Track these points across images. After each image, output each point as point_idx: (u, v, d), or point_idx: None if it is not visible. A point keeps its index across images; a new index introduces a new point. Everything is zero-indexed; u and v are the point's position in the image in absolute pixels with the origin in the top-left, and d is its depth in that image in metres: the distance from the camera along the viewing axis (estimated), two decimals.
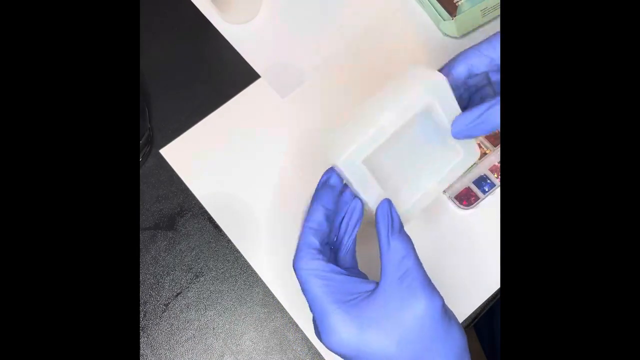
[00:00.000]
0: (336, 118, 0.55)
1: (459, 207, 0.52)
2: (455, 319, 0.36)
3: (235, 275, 0.50)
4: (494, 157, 0.53)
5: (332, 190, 0.38)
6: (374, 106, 0.37)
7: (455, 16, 0.55)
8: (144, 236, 0.51)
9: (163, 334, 0.49)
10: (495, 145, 0.54)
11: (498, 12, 0.57)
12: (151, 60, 0.57)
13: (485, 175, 0.53)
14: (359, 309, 0.35)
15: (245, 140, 0.54)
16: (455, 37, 0.58)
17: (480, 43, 0.40)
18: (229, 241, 0.51)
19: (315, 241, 0.36)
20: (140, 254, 0.51)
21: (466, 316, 0.49)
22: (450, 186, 0.52)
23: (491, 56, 0.40)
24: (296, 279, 0.36)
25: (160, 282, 0.50)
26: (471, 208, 0.52)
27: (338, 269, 0.36)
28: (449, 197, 0.52)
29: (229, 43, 0.58)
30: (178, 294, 0.50)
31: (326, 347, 0.35)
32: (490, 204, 0.52)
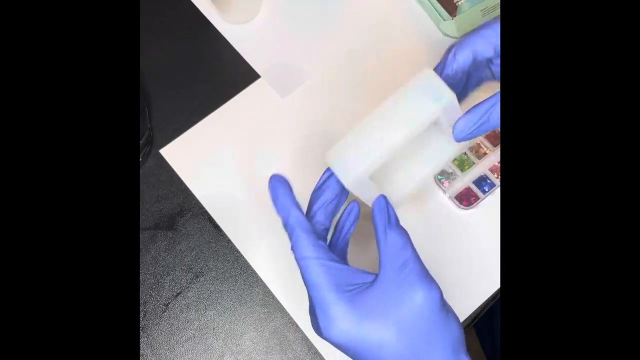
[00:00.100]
0: (336, 118, 0.55)
1: (459, 207, 0.52)
2: (453, 312, 0.36)
3: (235, 275, 0.50)
4: (494, 157, 0.53)
5: (333, 189, 0.38)
6: (383, 123, 0.36)
7: (455, 16, 0.55)
8: (144, 236, 0.51)
9: (163, 334, 0.49)
10: (495, 145, 0.54)
11: (498, 12, 0.57)
12: (151, 60, 0.57)
13: (485, 175, 0.53)
14: (359, 299, 0.35)
15: (245, 140, 0.54)
16: (455, 37, 0.57)
17: (485, 28, 0.39)
18: (229, 241, 0.51)
19: (318, 228, 0.37)
20: (140, 254, 0.51)
21: (466, 316, 0.49)
22: (451, 186, 0.52)
23: (495, 43, 0.39)
24: (298, 269, 0.36)
25: (160, 282, 0.50)
26: (471, 208, 0.52)
27: (338, 259, 0.36)
28: (449, 197, 0.52)
29: (229, 43, 0.58)
30: (178, 294, 0.50)
31: (324, 337, 0.35)
32: (490, 204, 0.52)
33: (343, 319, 0.34)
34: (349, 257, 0.41)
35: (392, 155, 0.36)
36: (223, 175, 0.53)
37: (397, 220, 0.37)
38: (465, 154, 0.53)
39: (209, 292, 0.50)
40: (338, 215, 0.40)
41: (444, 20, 0.56)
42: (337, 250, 0.39)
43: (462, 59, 0.39)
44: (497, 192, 0.53)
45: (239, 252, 0.51)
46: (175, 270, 0.50)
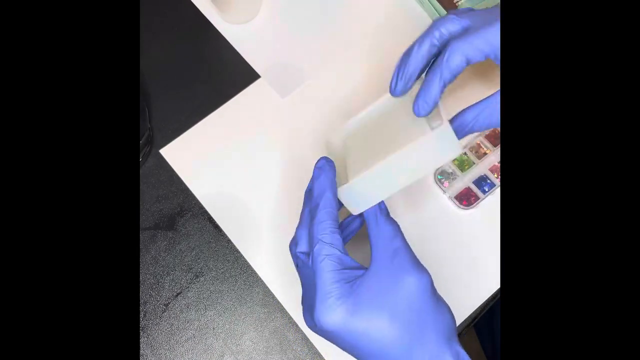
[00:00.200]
0: (336, 118, 0.55)
1: (459, 207, 0.52)
2: (444, 302, 0.38)
3: (235, 275, 0.50)
4: (494, 157, 0.53)
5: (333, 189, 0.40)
6: (390, 169, 0.37)
7: None
8: (144, 236, 0.51)
9: (163, 334, 0.49)
10: (495, 145, 0.54)
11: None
12: (151, 60, 0.57)
13: (485, 175, 0.53)
14: (355, 288, 0.36)
15: (245, 140, 0.54)
16: None
17: (475, 34, 0.37)
18: (229, 241, 0.51)
19: (334, 215, 0.38)
20: (140, 254, 0.51)
21: (466, 316, 0.49)
22: (451, 186, 0.52)
23: (486, 51, 0.38)
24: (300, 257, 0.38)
25: (160, 282, 0.50)
26: (471, 208, 0.52)
27: (346, 251, 0.37)
28: (449, 197, 0.52)
29: (229, 43, 0.58)
30: (178, 294, 0.50)
31: (318, 325, 0.36)
32: (490, 204, 0.52)
33: (341, 307, 0.35)
34: None
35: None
36: (223, 175, 0.53)
37: (387, 212, 0.39)
38: (465, 154, 0.53)
39: (209, 292, 0.50)
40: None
41: None
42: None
43: (454, 65, 0.37)
44: (497, 192, 0.53)
45: (239, 252, 0.51)
46: (175, 270, 0.50)
